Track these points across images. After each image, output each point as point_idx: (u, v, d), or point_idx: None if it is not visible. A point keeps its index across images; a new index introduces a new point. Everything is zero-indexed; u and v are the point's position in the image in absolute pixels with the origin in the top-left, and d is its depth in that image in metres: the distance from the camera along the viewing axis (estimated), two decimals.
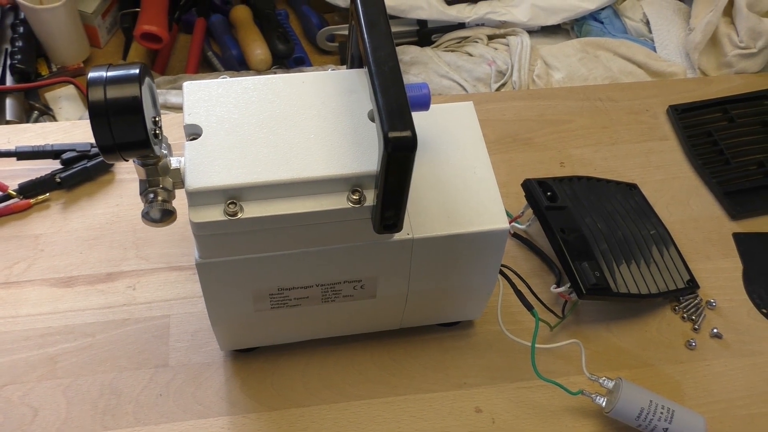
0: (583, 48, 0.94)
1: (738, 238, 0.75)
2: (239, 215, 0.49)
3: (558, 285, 0.69)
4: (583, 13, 0.99)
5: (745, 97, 0.86)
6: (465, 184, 0.57)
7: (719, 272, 0.73)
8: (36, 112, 0.93)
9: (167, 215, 0.47)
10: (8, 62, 0.97)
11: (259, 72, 0.94)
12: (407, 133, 0.43)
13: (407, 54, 0.94)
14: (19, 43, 0.98)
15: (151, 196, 0.47)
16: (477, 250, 0.57)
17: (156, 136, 0.45)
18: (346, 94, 0.53)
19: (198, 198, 0.48)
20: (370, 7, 0.49)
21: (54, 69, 1.01)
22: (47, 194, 0.74)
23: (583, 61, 0.92)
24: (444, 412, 0.64)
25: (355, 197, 0.50)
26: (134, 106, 0.42)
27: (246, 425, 0.62)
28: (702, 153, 0.81)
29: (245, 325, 0.61)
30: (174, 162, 0.49)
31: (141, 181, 0.48)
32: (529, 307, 0.62)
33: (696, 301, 0.71)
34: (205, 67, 1.06)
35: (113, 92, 0.42)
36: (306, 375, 0.65)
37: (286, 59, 0.98)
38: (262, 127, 0.51)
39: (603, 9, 1.00)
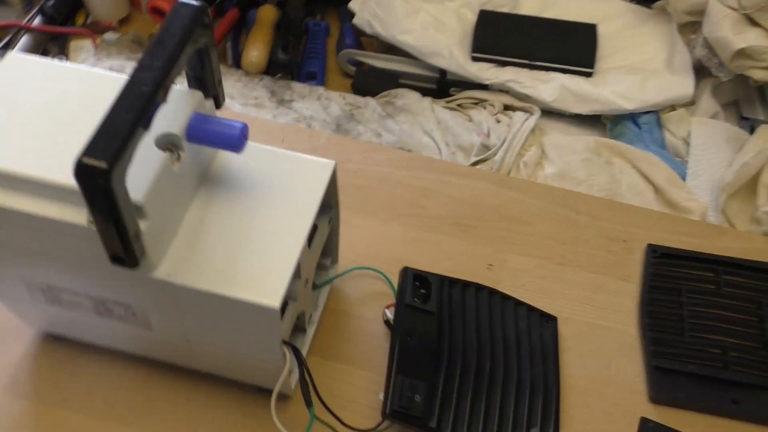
0: (597, 149, 0.81)
1: (645, 425, 0.61)
2: None
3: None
4: (617, 111, 0.85)
5: (753, 266, 0.70)
6: (265, 246, 0.51)
7: None
8: (51, 55, 0.97)
9: None
10: (43, 5, 1.01)
11: (248, 74, 0.91)
12: (100, 164, 0.38)
13: (402, 99, 0.87)
14: None
15: None
16: (246, 318, 0.50)
17: None
18: None
19: None
20: (171, 22, 0.45)
21: (88, 22, 1.04)
22: None
23: (587, 163, 0.80)
24: None
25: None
26: None
27: (9, 410, 0.60)
28: (658, 312, 0.67)
29: (34, 312, 0.58)
30: None
31: None
32: (308, 404, 0.53)
33: None
34: (219, 58, 1.03)
35: None
36: (97, 381, 0.61)
37: (286, 69, 0.94)
38: (44, 117, 0.48)
39: (645, 113, 0.86)
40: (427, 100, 0.86)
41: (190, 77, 0.51)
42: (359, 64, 0.98)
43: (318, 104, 0.85)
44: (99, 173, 0.39)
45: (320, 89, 0.90)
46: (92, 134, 0.40)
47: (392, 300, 0.65)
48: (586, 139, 0.82)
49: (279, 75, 0.92)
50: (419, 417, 0.55)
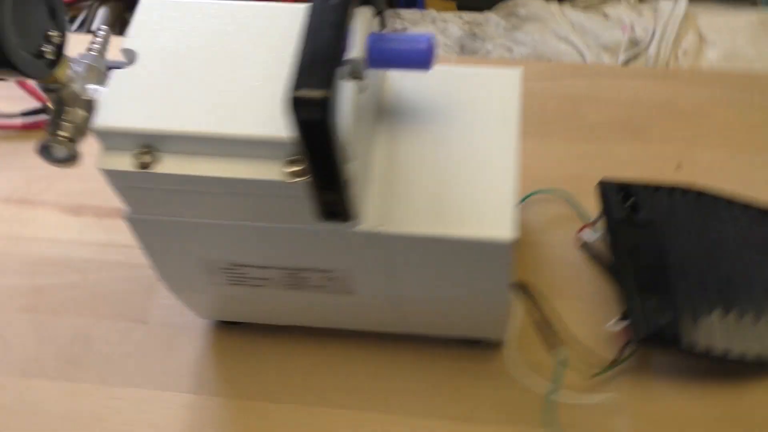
0: (763, 23, 0.71)
1: None
2: (152, 169, 0.40)
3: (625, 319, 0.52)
4: None
5: None
6: (473, 174, 0.43)
7: None
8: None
9: (69, 159, 0.39)
10: None
11: None
12: (317, 94, 0.31)
13: (525, 7, 0.78)
14: None
15: (51, 128, 0.39)
16: (471, 260, 0.43)
17: (42, 55, 0.36)
18: None
19: (108, 140, 0.40)
20: None
21: None
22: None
23: (754, 40, 0.70)
24: None
25: (290, 169, 0.38)
26: None
27: (208, 410, 0.55)
28: None
29: (210, 297, 0.52)
30: (92, 92, 0.41)
31: (49, 110, 0.40)
32: (552, 346, 0.47)
33: None
34: None
35: None
36: (287, 367, 0.56)
37: None
38: (207, 65, 0.41)
39: None
40: (554, 5, 0.78)
41: None
42: None
43: (434, 27, 0.77)
44: (316, 104, 0.32)
45: (432, 12, 0.81)
46: (296, 62, 0.33)
47: (580, 222, 0.58)
48: (746, 14, 0.72)
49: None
50: (677, 338, 0.48)
